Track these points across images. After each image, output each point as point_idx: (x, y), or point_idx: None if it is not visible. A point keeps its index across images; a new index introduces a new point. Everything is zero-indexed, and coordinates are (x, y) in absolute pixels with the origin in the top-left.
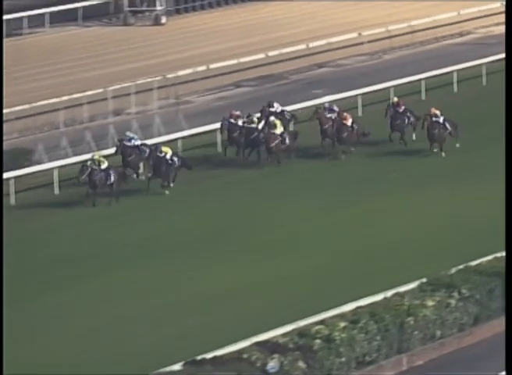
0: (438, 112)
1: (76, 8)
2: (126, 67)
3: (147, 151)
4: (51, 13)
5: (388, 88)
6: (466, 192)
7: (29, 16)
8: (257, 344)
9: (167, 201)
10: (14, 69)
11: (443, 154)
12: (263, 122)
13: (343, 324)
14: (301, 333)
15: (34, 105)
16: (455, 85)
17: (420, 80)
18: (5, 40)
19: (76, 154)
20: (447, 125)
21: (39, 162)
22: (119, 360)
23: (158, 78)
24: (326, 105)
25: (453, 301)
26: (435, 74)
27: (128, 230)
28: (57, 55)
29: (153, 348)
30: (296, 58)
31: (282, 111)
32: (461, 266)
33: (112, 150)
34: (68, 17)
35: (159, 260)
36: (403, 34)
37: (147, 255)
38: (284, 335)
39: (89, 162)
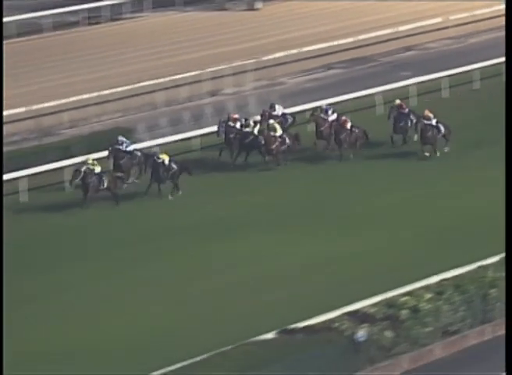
0: (431, 115)
1: None
2: (223, 50)
3: (139, 155)
4: None
5: (471, 71)
6: None
7: (131, 2)
8: (348, 314)
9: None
10: (115, 52)
11: (438, 154)
12: (258, 126)
13: (428, 295)
14: (389, 303)
15: (136, 86)
16: None
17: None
18: (108, 24)
19: (175, 132)
20: (441, 127)
21: (140, 141)
22: (216, 328)
23: (253, 60)
24: (324, 106)
25: None
26: None
27: (212, 209)
28: (157, 38)
29: (248, 317)
30: (385, 41)
31: (284, 114)
32: None
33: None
34: (167, 3)
35: (245, 236)
36: (487, 19)
37: (233, 231)
38: (373, 306)
39: (83, 168)
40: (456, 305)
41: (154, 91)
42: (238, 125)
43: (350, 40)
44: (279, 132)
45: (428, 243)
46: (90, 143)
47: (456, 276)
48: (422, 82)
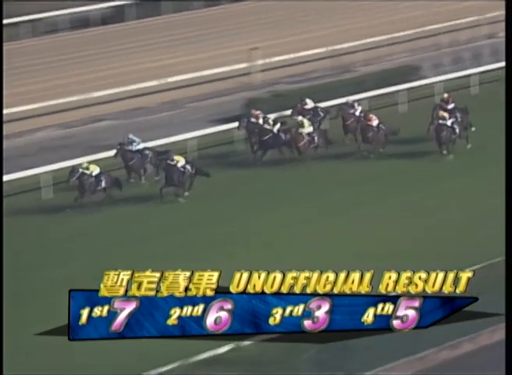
0: (446, 115)
1: None
2: None
3: (150, 155)
4: None
5: None
6: None
7: None
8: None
9: None
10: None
11: (451, 156)
12: (279, 124)
13: None
14: None
15: (420, 29)
16: None
17: None
18: None
19: (455, 71)
20: (456, 128)
21: (425, 77)
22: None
23: None
24: (350, 101)
25: None
26: None
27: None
28: None
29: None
30: None
31: (316, 107)
32: None
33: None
34: None
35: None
36: None
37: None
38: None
39: (80, 169)
40: None
41: (437, 34)
42: (260, 121)
43: None
44: (308, 129)
45: None
46: (380, 78)
47: None
48: None
